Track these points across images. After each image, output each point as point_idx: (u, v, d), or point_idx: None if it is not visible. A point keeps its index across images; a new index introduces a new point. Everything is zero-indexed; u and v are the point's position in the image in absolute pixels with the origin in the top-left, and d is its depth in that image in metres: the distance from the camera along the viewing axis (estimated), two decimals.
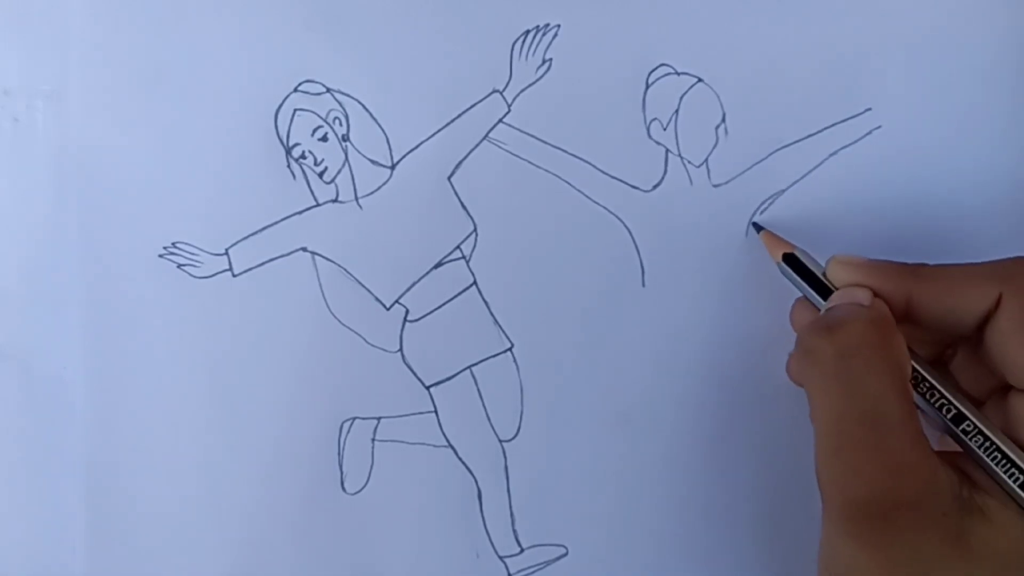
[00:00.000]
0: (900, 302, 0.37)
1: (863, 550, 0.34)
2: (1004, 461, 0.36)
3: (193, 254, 0.43)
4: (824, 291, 0.39)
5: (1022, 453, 0.36)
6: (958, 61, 0.43)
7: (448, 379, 0.44)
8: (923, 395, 0.38)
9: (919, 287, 0.37)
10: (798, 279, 0.40)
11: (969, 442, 0.37)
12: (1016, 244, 0.43)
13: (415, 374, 0.44)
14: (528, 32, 0.43)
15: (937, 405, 0.37)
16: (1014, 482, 0.36)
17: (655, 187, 0.43)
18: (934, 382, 0.37)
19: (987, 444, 0.36)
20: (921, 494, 0.34)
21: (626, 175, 0.43)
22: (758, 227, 0.43)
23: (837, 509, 0.35)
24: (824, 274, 0.40)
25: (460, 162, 0.43)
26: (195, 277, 0.43)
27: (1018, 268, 0.37)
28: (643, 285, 0.43)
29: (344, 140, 0.43)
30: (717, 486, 0.43)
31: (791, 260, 0.40)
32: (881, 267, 0.38)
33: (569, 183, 0.43)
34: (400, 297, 0.43)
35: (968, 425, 0.37)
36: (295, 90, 0.43)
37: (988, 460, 0.36)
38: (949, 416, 0.37)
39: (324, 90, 0.43)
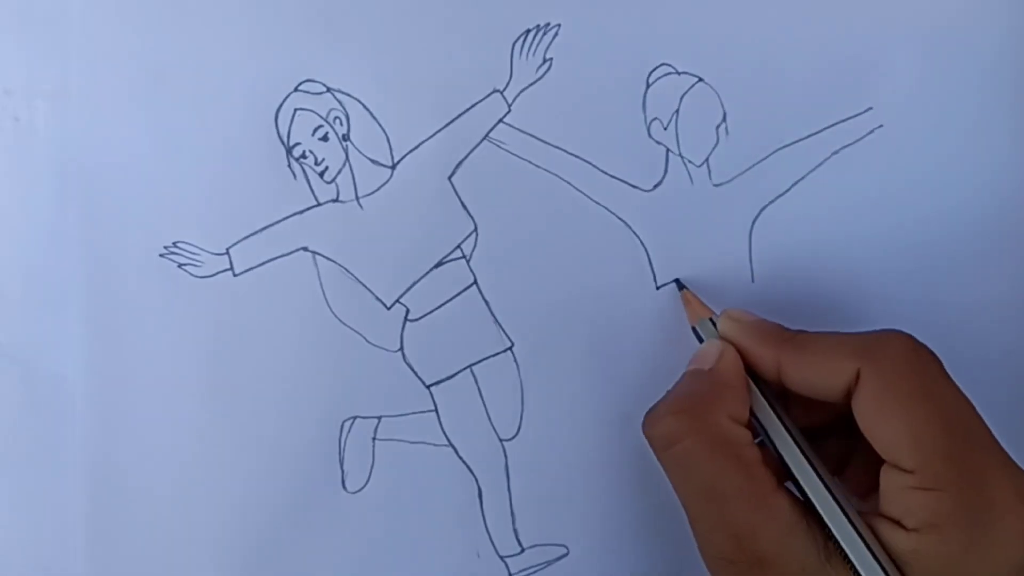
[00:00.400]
0: (772, 367, 0.39)
1: None
2: (844, 524, 0.36)
3: (194, 254, 0.43)
4: None
5: (844, 519, 0.36)
6: (960, 60, 0.43)
7: (448, 378, 0.44)
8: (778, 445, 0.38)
9: (787, 355, 0.38)
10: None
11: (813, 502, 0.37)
12: (1017, 243, 0.43)
13: (416, 373, 0.44)
14: (528, 32, 0.43)
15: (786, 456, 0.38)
16: (845, 543, 0.36)
17: (656, 187, 0.43)
18: (780, 450, 0.38)
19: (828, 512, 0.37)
20: (771, 553, 0.36)
21: (627, 175, 0.43)
22: (680, 285, 0.43)
23: (706, 565, 0.38)
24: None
25: (460, 162, 0.43)
26: (196, 277, 0.43)
27: (877, 343, 0.37)
28: (656, 286, 0.43)
29: (345, 140, 0.43)
30: None
31: (705, 326, 0.41)
32: (758, 330, 0.39)
33: (569, 183, 0.43)
34: (401, 296, 0.43)
35: (811, 491, 0.37)
36: (295, 90, 0.43)
37: (827, 521, 0.37)
38: (792, 465, 0.38)
39: (324, 90, 0.43)
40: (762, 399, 0.39)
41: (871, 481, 0.38)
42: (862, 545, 0.36)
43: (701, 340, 0.41)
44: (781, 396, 0.39)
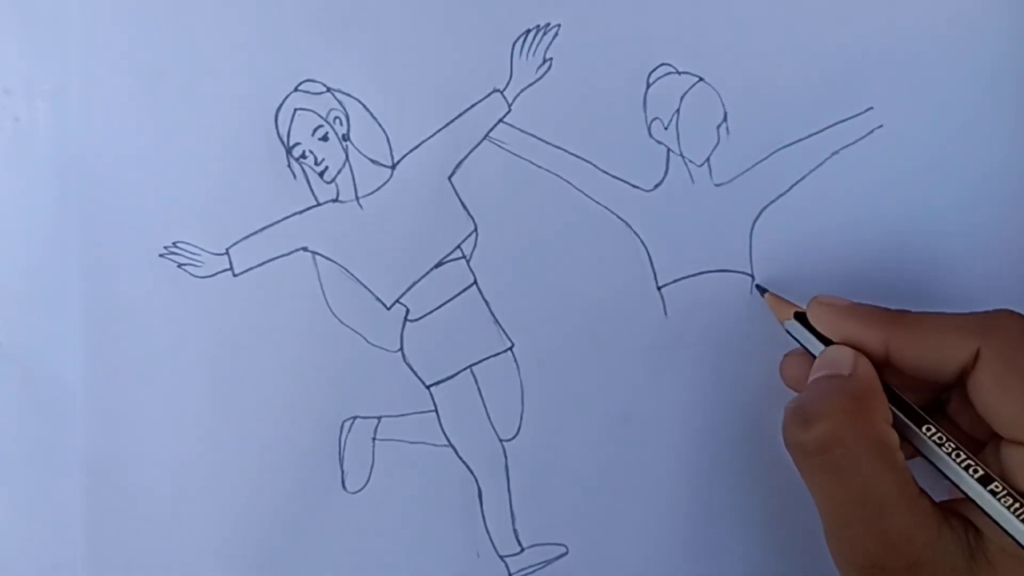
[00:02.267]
0: (879, 350, 0.38)
1: None
2: (1006, 500, 0.36)
3: (194, 254, 0.43)
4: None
5: (1010, 493, 0.36)
6: (960, 60, 0.43)
7: (448, 378, 0.44)
8: (919, 446, 0.38)
9: (897, 336, 0.38)
10: (810, 338, 0.40)
11: (964, 490, 0.37)
12: (1018, 242, 0.43)
13: (416, 373, 0.44)
14: (529, 31, 0.43)
15: (935, 446, 0.37)
16: (1009, 520, 0.36)
17: (656, 187, 0.43)
18: (924, 436, 0.37)
19: (985, 489, 0.36)
20: (924, 557, 0.35)
21: (627, 174, 0.43)
22: (762, 289, 0.43)
23: (846, 573, 0.37)
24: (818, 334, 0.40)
25: (461, 162, 0.43)
26: (196, 277, 0.43)
27: (996, 322, 0.37)
28: (657, 287, 0.43)
29: (344, 140, 0.43)
30: (717, 486, 0.43)
31: (801, 319, 0.40)
32: (860, 313, 0.39)
33: (570, 183, 0.43)
34: (401, 296, 0.43)
35: (964, 469, 0.37)
36: (295, 90, 0.43)
37: (983, 505, 0.36)
38: (942, 465, 0.37)
39: (324, 89, 0.43)
40: (892, 388, 0.38)
41: (980, 446, 0.38)
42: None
43: (811, 336, 0.40)
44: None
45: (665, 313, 0.43)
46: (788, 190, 0.43)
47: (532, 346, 0.43)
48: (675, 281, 0.43)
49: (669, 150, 0.43)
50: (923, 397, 0.39)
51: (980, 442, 0.39)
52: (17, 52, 0.42)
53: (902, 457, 0.36)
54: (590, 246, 0.43)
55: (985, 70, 0.43)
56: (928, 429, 0.37)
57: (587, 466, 0.43)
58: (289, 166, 0.43)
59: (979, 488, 0.36)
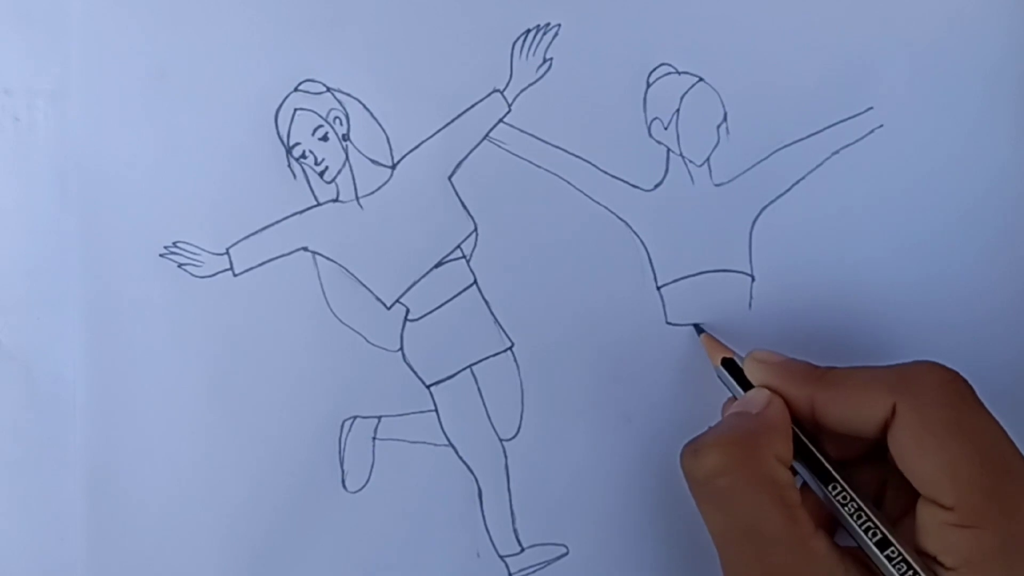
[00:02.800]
0: (805, 406, 0.38)
1: None
2: (900, 567, 0.36)
3: (194, 253, 0.43)
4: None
5: (904, 560, 0.36)
6: (960, 59, 0.43)
7: (448, 378, 0.44)
8: (826, 502, 0.38)
9: (820, 393, 0.38)
10: (733, 384, 0.40)
11: (863, 549, 0.37)
12: (1018, 242, 0.43)
13: (416, 373, 0.44)
14: (528, 31, 0.43)
15: (838, 506, 0.38)
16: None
17: (656, 187, 0.43)
18: (829, 492, 0.38)
19: (882, 553, 0.36)
20: None
21: (627, 175, 0.43)
22: (699, 329, 0.43)
23: None
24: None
25: (461, 162, 0.43)
26: (196, 276, 0.43)
27: (912, 377, 0.37)
28: (657, 286, 0.43)
29: (344, 140, 0.43)
30: None
31: (729, 365, 0.41)
32: (788, 370, 0.39)
33: (570, 183, 0.43)
34: (401, 296, 0.43)
35: (864, 532, 0.37)
36: (295, 89, 0.43)
37: (880, 566, 0.36)
38: (844, 523, 0.38)
39: (324, 89, 0.43)
40: (805, 442, 0.38)
41: (905, 507, 0.38)
42: None
43: (736, 382, 0.40)
44: (812, 432, 0.39)
45: (665, 313, 0.43)
46: (788, 190, 0.43)
47: (532, 346, 0.43)
48: (675, 281, 0.43)
49: (669, 150, 0.43)
50: (860, 450, 0.39)
51: (891, 518, 0.39)
52: (17, 52, 0.42)
53: (794, 495, 0.37)
54: (590, 246, 0.43)
55: (985, 70, 0.43)
56: (833, 487, 0.38)
57: (587, 466, 0.43)
58: (289, 166, 0.43)
59: (876, 551, 0.36)
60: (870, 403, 0.37)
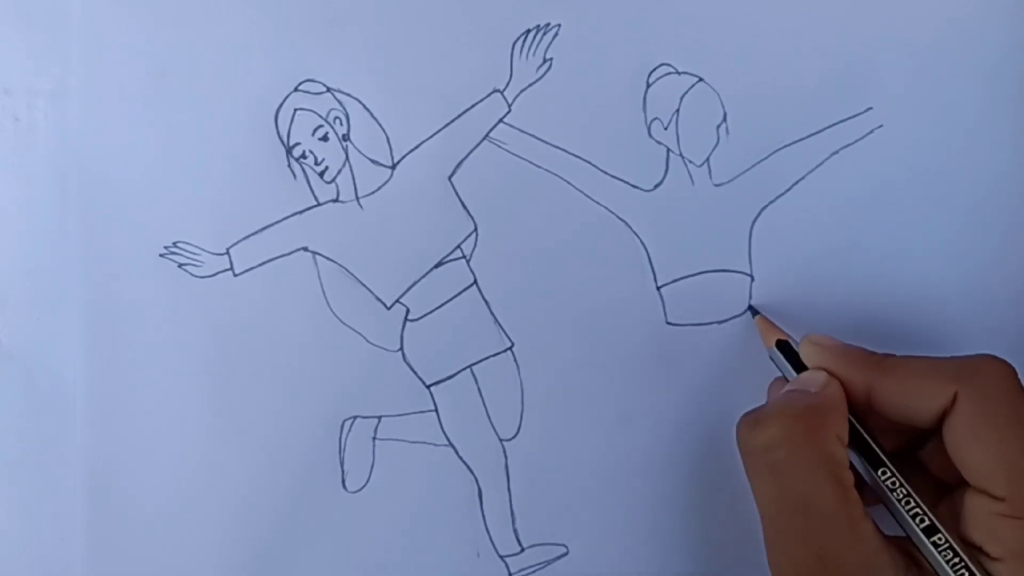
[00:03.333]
0: (862, 391, 0.38)
1: None
2: (946, 554, 0.36)
3: (194, 253, 0.43)
4: None
5: (951, 547, 0.36)
6: (960, 60, 0.43)
7: (448, 378, 0.44)
8: (874, 488, 0.38)
9: (879, 379, 0.38)
10: (787, 366, 0.40)
11: (910, 536, 0.37)
12: (1018, 242, 0.43)
13: (416, 373, 0.44)
14: (529, 31, 0.43)
15: (887, 491, 0.38)
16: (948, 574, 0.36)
17: (656, 187, 0.43)
18: (878, 478, 0.38)
19: (928, 540, 0.37)
20: None
21: (627, 175, 0.43)
22: (754, 311, 0.43)
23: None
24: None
25: (461, 162, 0.43)
26: (196, 276, 0.43)
27: (975, 368, 0.37)
28: (657, 287, 0.43)
29: (345, 140, 0.43)
30: (717, 486, 0.43)
31: (784, 347, 0.41)
32: (846, 354, 0.39)
33: (570, 183, 0.43)
34: (401, 296, 0.43)
35: (911, 517, 0.37)
36: (295, 90, 0.43)
37: (926, 555, 0.37)
38: (893, 510, 0.38)
39: (324, 89, 0.43)
40: (857, 426, 0.38)
41: (934, 502, 0.38)
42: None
43: (788, 365, 0.40)
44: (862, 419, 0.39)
45: (665, 313, 0.43)
46: (788, 190, 0.43)
47: (532, 346, 0.43)
48: (675, 281, 0.43)
49: (669, 150, 0.43)
50: (903, 442, 0.40)
51: (950, 485, 0.39)
52: (17, 52, 0.42)
53: (850, 476, 0.37)
54: (590, 246, 0.43)
55: (985, 70, 0.43)
56: (883, 472, 0.38)
57: (587, 466, 0.43)
58: (289, 166, 0.43)
59: (923, 537, 0.37)
60: (930, 391, 0.37)
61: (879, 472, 0.38)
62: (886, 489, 0.37)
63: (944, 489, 0.39)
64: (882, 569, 0.36)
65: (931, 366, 0.38)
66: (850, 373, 0.39)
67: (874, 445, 0.38)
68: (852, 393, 0.38)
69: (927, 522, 0.37)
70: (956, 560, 0.36)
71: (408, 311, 0.43)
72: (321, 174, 0.43)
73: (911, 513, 0.37)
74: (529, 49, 0.43)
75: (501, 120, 0.43)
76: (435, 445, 0.44)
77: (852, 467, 0.38)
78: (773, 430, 0.37)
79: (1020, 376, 0.37)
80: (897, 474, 0.38)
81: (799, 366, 0.40)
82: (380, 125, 0.43)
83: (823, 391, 0.38)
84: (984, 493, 0.36)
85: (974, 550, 0.36)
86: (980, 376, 0.37)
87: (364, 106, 0.43)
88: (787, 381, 0.40)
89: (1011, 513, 0.35)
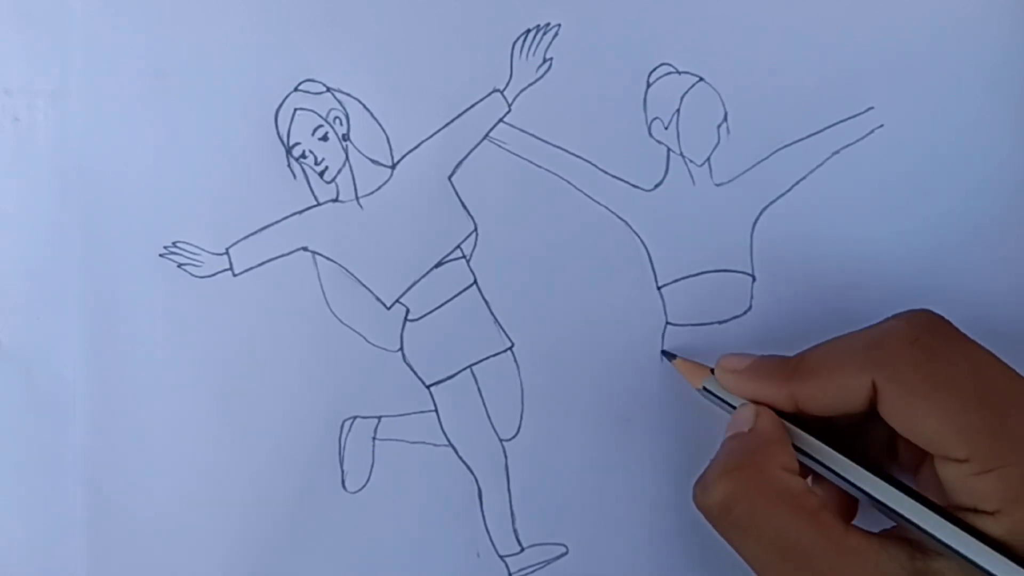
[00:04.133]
0: (788, 404, 0.38)
1: None
2: (939, 523, 0.36)
3: (194, 253, 0.43)
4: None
5: (933, 508, 0.36)
6: (960, 60, 0.43)
7: (448, 378, 0.44)
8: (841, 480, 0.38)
9: (798, 389, 0.38)
10: (720, 403, 0.40)
11: (894, 516, 0.37)
12: (1018, 242, 0.43)
13: (416, 373, 0.44)
14: (529, 31, 0.43)
15: (856, 488, 0.37)
16: (948, 541, 0.35)
17: (657, 186, 0.43)
18: (837, 470, 0.37)
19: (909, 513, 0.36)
20: None
21: (627, 174, 0.43)
22: (670, 356, 0.43)
23: None
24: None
25: (461, 162, 0.43)
26: (196, 276, 0.43)
27: (881, 344, 0.37)
28: (657, 287, 0.43)
29: (344, 139, 0.43)
30: None
31: (709, 387, 0.41)
32: (759, 371, 0.39)
33: (570, 183, 0.43)
34: (401, 296, 0.43)
35: (886, 500, 0.37)
36: (295, 89, 0.43)
37: (919, 526, 0.36)
38: (867, 496, 0.37)
39: (324, 89, 0.43)
40: (804, 435, 0.38)
41: (921, 455, 0.37)
42: (977, 543, 0.35)
43: (720, 401, 0.40)
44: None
45: (665, 313, 0.43)
46: (789, 190, 0.43)
47: (532, 346, 0.43)
48: (675, 281, 0.43)
49: (669, 150, 0.43)
50: (860, 418, 0.39)
51: (919, 457, 0.38)
52: (17, 52, 0.42)
53: (813, 501, 0.36)
54: (590, 246, 0.43)
55: (985, 70, 0.43)
56: (842, 468, 0.37)
57: (587, 466, 0.43)
58: (289, 166, 0.43)
59: (915, 514, 0.36)
60: (849, 387, 0.37)
61: (838, 472, 0.37)
62: (854, 487, 0.37)
63: (917, 460, 0.38)
64: (887, 569, 0.35)
65: (840, 357, 0.37)
66: (769, 392, 0.38)
67: (825, 447, 0.38)
68: (781, 408, 0.38)
69: (912, 499, 0.36)
70: (953, 520, 0.35)
71: (408, 311, 0.43)
72: (321, 174, 0.43)
73: (888, 499, 0.36)
74: (529, 49, 0.43)
75: (501, 120, 0.43)
76: (435, 445, 0.44)
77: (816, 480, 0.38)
78: (721, 490, 0.37)
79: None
80: (854, 464, 0.37)
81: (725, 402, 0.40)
82: (380, 125, 0.43)
83: (755, 428, 0.38)
84: (948, 459, 0.35)
85: (970, 512, 0.35)
86: (889, 352, 0.36)
87: (364, 106, 0.43)
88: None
89: (981, 470, 0.34)
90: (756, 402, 0.39)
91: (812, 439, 0.38)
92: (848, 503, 0.39)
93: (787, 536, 0.36)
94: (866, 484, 0.37)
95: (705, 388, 0.41)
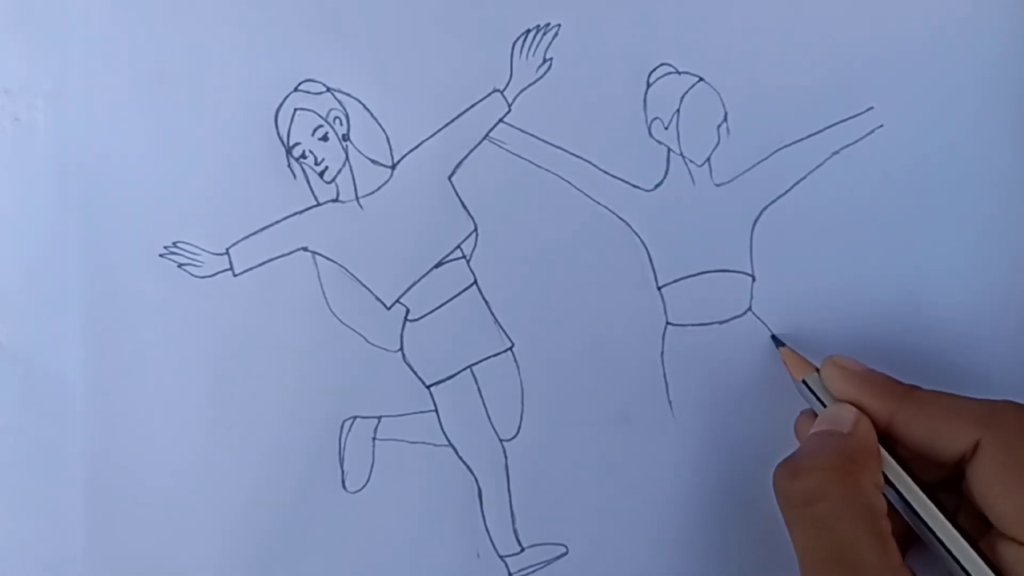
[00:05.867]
0: (883, 419, 0.38)
1: None
2: None
3: (194, 253, 0.43)
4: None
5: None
6: (960, 60, 0.43)
7: (448, 378, 0.44)
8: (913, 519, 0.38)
9: (903, 411, 0.38)
10: (816, 401, 0.40)
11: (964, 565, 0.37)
12: (1018, 242, 0.43)
13: (416, 373, 0.44)
14: (528, 31, 0.43)
15: (923, 527, 0.37)
16: None
17: (657, 186, 0.43)
18: (917, 508, 0.38)
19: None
20: None
21: (628, 174, 0.43)
22: (778, 341, 0.43)
23: None
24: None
25: (461, 162, 0.43)
26: (196, 276, 0.43)
27: (999, 415, 0.37)
28: (658, 287, 0.43)
29: (344, 139, 0.43)
30: (716, 485, 0.43)
31: (813, 381, 0.40)
32: (871, 381, 0.39)
33: (570, 183, 0.43)
34: (401, 296, 0.43)
35: (953, 551, 0.37)
36: (295, 89, 0.43)
37: None
38: (937, 540, 0.37)
39: (324, 89, 0.43)
40: (895, 465, 0.38)
41: (977, 534, 0.38)
42: None
43: (816, 400, 0.40)
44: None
45: (666, 313, 0.43)
46: (789, 190, 0.43)
47: (532, 346, 0.43)
48: (676, 281, 0.43)
49: (669, 150, 0.43)
50: (942, 472, 0.39)
51: (979, 525, 0.38)
52: (17, 52, 0.43)
53: (887, 524, 0.36)
54: (590, 246, 0.43)
55: (985, 70, 0.43)
56: (926, 512, 0.37)
57: (587, 466, 0.43)
58: (289, 166, 0.43)
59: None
60: (954, 431, 0.37)
61: (920, 513, 0.37)
62: (928, 531, 0.37)
63: (976, 533, 0.38)
64: None
65: (956, 406, 0.38)
66: (874, 402, 0.38)
67: (915, 486, 0.38)
68: (874, 421, 0.38)
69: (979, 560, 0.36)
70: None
71: (408, 311, 0.43)
72: (321, 174, 0.43)
73: (959, 555, 0.36)
74: (529, 49, 0.43)
75: (501, 120, 0.43)
76: (435, 445, 0.44)
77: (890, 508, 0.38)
78: (812, 481, 0.36)
79: None
80: (942, 514, 0.37)
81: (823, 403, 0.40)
82: (380, 125, 0.43)
83: (855, 432, 0.38)
84: (1014, 541, 0.36)
85: None
86: (1005, 422, 0.37)
87: (364, 106, 0.43)
88: (814, 414, 0.40)
89: None
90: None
91: (901, 471, 0.38)
92: (906, 539, 0.39)
93: (854, 550, 0.35)
94: (947, 539, 0.37)
95: (804, 382, 0.40)
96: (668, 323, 0.43)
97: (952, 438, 0.37)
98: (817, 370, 0.40)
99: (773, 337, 0.43)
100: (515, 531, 0.44)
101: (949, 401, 0.38)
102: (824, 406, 0.40)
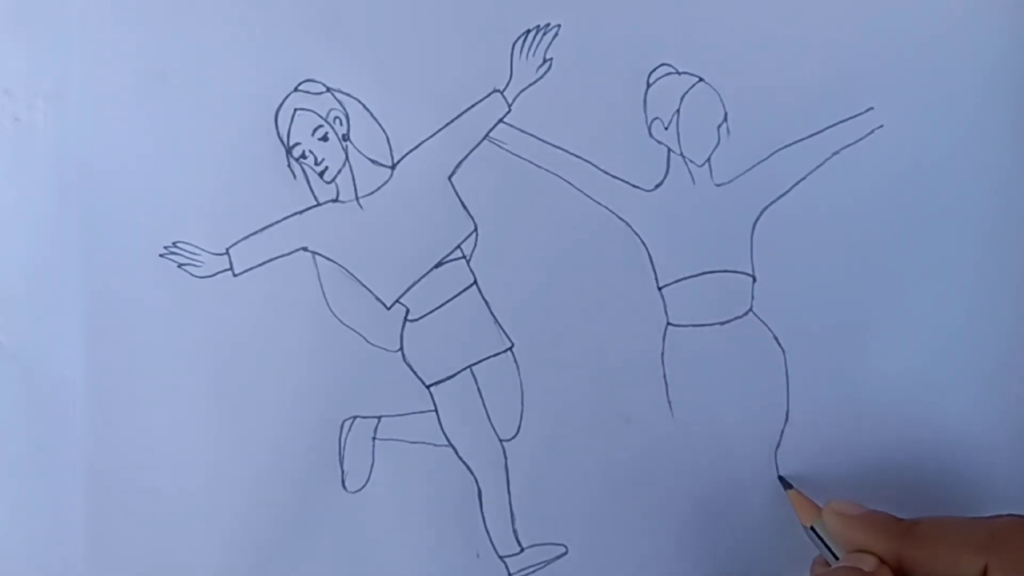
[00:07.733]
0: (891, 559, 0.38)
1: None
2: None
3: (194, 254, 0.43)
4: None
5: None
6: (960, 60, 0.43)
7: (448, 378, 0.44)
8: None
9: (907, 550, 0.38)
10: (824, 547, 0.40)
11: None
12: (1017, 242, 0.43)
13: (415, 373, 0.44)
14: (528, 32, 0.43)
15: None
16: None
17: (657, 187, 0.43)
18: None
19: None
20: None
21: (628, 175, 0.43)
22: (786, 483, 0.43)
23: None
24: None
25: (461, 162, 0.43)
26: (196, 276, 0.43)
27: (1002, 535, 0.37)
28: (658, 287, 0.43)
29: (344, 140, 0.43)
30: (716, 485, 0.43)
31: (818, 528, 0.41)
32: (872, 524, 0.39)
33: (570, 183, 0.43)
34: (401, 296, 0.43)
35: None
36: (295, 90, 0.43)
37: None
38: None
39: (324, 89, 0.43)
40: None
41: None
42: None
43: (824, 547, 0.40)
44: None
45: (666, 313, 0.43)
46: (789, 190, 0.43)
47: (532, 346, 0.43)
48: (676, 282, 0.43)
49: (670, 150, 0.43)
50: None
51: None
52: (17, 52, 0.43)
53: None
54: (590, 246, 0.43)
55: (985, 70, 0.43)
56: None
57: (587, 466, 0.43)
58: (289, 166, 0.43)
59: None
60: (960, 563, 0.37)
61: None
62: None
63: None
64: None
65: (958, 536, 0.38)
66: (878, 545, 0.38)
67: None
68: (883, 562, 0.38)
69: None
70: None
71: (408, 311, 0.43)
72: (321, 174, 0.43)
73: None
74: (529, 49, 0.43)
75: (501, 120, 0.43)
76: (435, 445, 0.44)
77: None
78: None
79: None
80: None
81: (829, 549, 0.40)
82: (380, 125, 0.43)
83: (877, 573, 0.38)
84: None
85: None
86: (1009, 546, 0.36)
87: (364, 106, 0.43)
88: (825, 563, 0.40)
89: None
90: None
91: None
92: None
93: None
94: None
95: (812, 528, 0.41)
96: (668, 323, 0.43)
97: (960, 568, 0.37)
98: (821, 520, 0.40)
99: (780, 478, 0.43)
100: (515, 531, 0.44)
101: (951, 531, 0.38)
102: (828, 548, 0.40)
